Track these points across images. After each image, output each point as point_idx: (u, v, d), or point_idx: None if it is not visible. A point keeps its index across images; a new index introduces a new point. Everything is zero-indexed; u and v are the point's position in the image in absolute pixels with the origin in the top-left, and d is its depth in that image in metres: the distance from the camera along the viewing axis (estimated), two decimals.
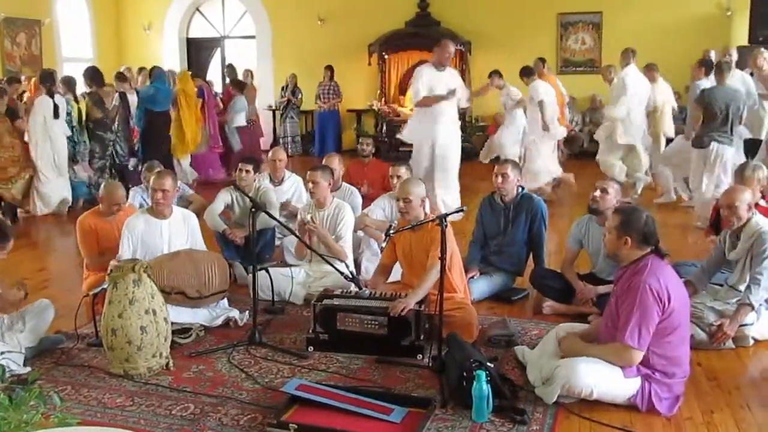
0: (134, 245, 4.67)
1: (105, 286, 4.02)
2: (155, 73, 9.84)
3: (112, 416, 3.45)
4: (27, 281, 4.60)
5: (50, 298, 4.50)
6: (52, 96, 8.14)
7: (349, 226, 5.16)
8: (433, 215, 4.37)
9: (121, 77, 9.68)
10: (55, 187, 8.26)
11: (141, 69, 11.24)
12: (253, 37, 14.37)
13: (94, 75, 8.80)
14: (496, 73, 9.72)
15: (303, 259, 5.32)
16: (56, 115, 8.09)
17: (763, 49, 7.98)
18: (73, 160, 8.54)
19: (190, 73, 10.73)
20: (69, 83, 8.81)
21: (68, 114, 8.38)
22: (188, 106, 9.76)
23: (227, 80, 11.80)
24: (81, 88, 9.11)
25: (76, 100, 8.67)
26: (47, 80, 8.31)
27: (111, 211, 5.14)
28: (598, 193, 4.75)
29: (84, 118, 8.61)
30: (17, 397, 2.01)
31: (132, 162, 9.04)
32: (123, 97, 9.05)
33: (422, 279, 4.24)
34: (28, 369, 3.87)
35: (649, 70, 8.82)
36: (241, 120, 10.60)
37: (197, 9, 14.78)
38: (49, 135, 8.06)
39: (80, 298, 4.63)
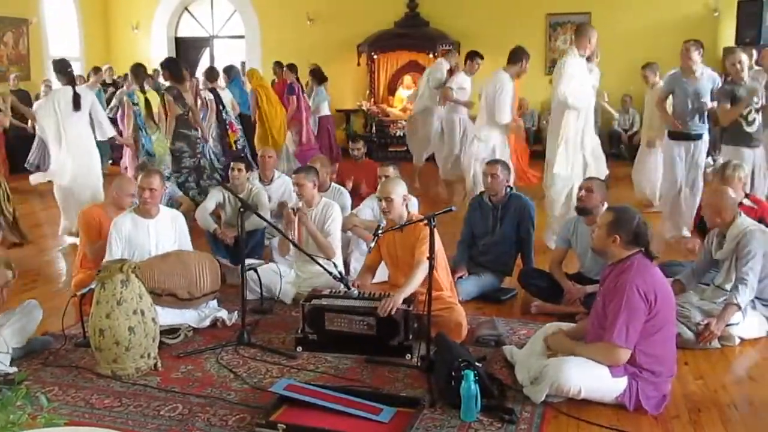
0: (121, 245, 4.64)
1: (93, 286, 4.00)
2: (234, 74, 9.35)
3: (99, 417, 3.44)
4: (15, 281, 4.56)
5: (38, 299, 4.48)
6: (73, 85, 6.91)
7: (337, 223, 5.16)
8: (420, 215, 4.36)
9: (210, 75, 9.26)
10: (77, 199, 6.77)
11: (96, 69, 11.09)
12: (242, 36, 14.33)
13: (171, 68, 7.80)
14: None
15: (284, 256, 5.31)
16: (77, 106, 6.81)
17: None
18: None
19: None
20: (137, 73, 7.69)
21: (135, 104, 7.45)
22: (269, 100, 9.32)
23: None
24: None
25: (143, 91, 7.57)
26: (66, 67, 7.03)
27: (123, 204, 5.05)
28: (583, 192, 4.77)
29: (158, 113, 7.57)
30: (4, 397, 2.00)
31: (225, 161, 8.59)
32: (214, 93, 8.66)
33: (409, 276, 4.24)
34: (15, 369, 3.85)
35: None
36: (325, 109, 10.42)
37: (186, 8, 14.73)
38: (64, 131, 6.79)
39: (68, 298, 4.61)
